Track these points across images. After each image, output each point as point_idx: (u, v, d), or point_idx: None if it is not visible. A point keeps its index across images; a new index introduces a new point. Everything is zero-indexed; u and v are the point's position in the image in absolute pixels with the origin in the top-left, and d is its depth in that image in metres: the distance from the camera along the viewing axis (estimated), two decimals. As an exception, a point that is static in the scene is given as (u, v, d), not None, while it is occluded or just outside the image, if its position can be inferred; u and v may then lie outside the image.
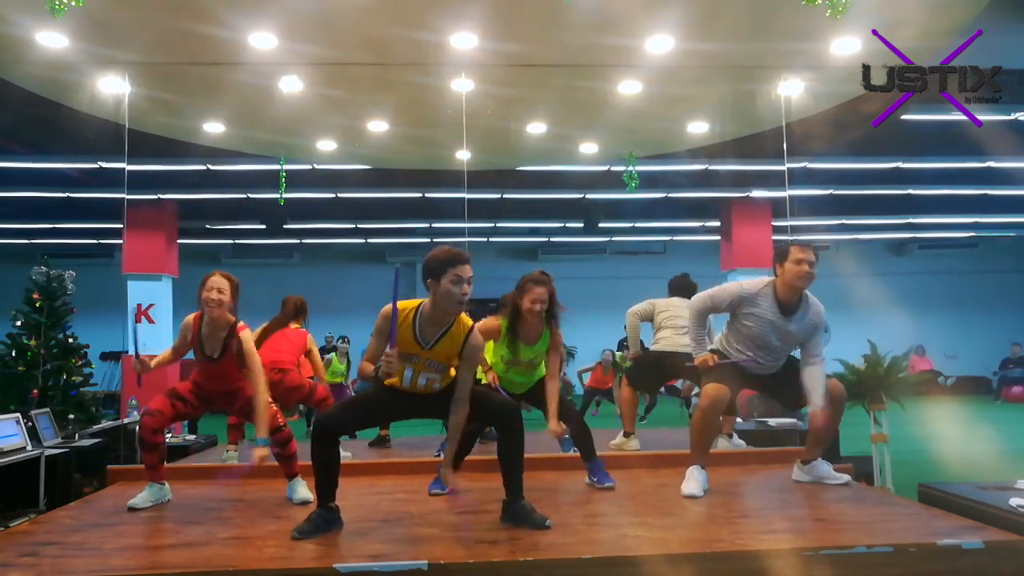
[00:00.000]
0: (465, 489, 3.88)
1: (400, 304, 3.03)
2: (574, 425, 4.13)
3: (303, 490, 3.79)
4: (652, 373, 5.44)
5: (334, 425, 3.17)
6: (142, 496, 3.70)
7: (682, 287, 5.45)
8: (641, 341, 5.49)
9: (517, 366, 4.13)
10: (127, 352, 10.37)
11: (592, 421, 6.35)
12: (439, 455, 4.69)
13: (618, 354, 10.87)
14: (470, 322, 3.19)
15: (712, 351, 3.91)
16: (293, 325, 5.45)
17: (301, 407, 9.18)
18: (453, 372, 3.24)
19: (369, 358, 3.11)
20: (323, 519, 3.08)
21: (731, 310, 3.86)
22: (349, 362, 9.83)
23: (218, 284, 3.70)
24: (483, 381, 4.23)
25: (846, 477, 3.91)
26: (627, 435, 5.25)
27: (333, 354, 9.91)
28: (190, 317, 3.84)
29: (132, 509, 3.61)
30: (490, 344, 4.27)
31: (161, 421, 3.69)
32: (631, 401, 5.40)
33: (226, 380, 3.83)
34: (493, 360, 4.25)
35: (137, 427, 3.77)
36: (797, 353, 3.92)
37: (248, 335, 3.80)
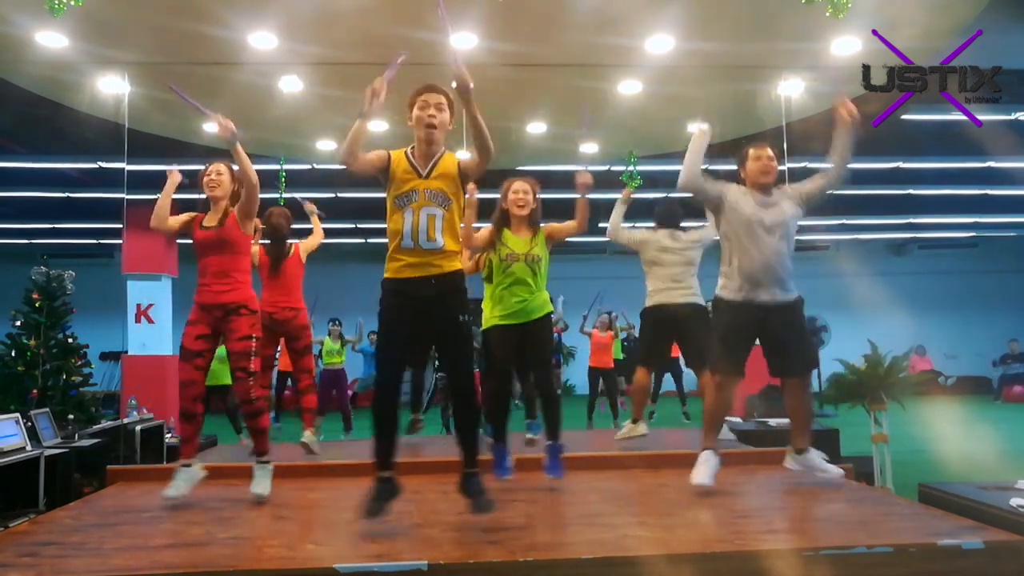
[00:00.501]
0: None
1: (393, 151, 3.18)
2: (551, 402, 4.08)
3: (261, 483, 3.75)
4: (654, 336, 5.25)
5: (380, 374, 3.13)
6: (174, 485, 3.68)
7: (671, 214, 5.30)
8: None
9: (515, 264, 4.04)
10: (127, 352, 10.37)
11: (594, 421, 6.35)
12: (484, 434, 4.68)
13: (626, 326, 10.75)
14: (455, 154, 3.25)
15: (715, 298, 3.91)
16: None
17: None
18: (455, 220, 3.17)
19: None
20: (383, 492, 3.01)
21: (718, 196, 3.89)
22: (344, 343, 9.72)
23: (216, 167, 3.92)
24: (485, 326, 4.21)
25: (839, 471, 3.85)
26: (635, 421, 5.23)
27: (326, 337, 9.81)
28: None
29: (168, 499, 3.62)
30: (488, 268, 4.26)
31: (198, 389, 3.77)
32: (642, 386, 5.31)
33: (231, 273, 3.82)
34: (495, 269, 4.14)
35: (179, 401, 3.82)
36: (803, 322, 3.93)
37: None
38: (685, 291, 5.10)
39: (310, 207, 6.03)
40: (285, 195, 9.44)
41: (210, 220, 3.91)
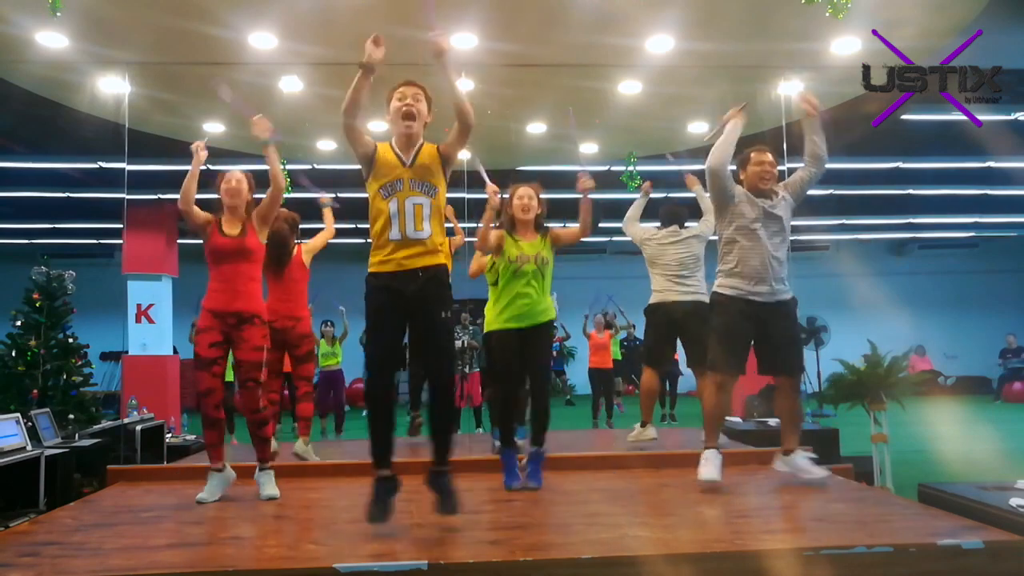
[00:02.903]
0: (467, 488, 3.88)
1: (379, 143, 3.22)
2: (541, 409, 4.08)
3: (271, 487, 3.80)
4: (658, 334, 5.20)
5: (379, 362, 3.08)
6: (209, 488, 3.74)
7: (676, 214, 5.32)
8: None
9: (525, 266, 4.04)
10: (127, 352, 10.37)
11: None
12: (493, 441, 4.70)
13: (627, 325, 10.74)
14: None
15: (713, 294, 3.95)
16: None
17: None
18: (439, 211, 3.17)
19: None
20: (383, 491, 3.00)
21: (733, 195, 3.89)
22: (337, 344, 9.70)
23: (234, 175, 3.99)
24: (488, 329, 4.21)
25: (824, 472, 3.86)
26: (644, 424, 5.21)
27: (321, 340, 9.80)
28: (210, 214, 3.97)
29: (201, 503, 3.65)
30: (494, 270, 4.26)
31: (218, 396, 3.78)
32: (651, 388, 5.28)
33: (245, 284, 3.85)
34: (501, 271, 4.15)
35: (200, 409, 3.84)
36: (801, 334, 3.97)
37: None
38: (688, 288, 5.07)
39: (325, 199, 5.81)
40: (285, 195, 9.42)
41: (230, 227, 3.91)
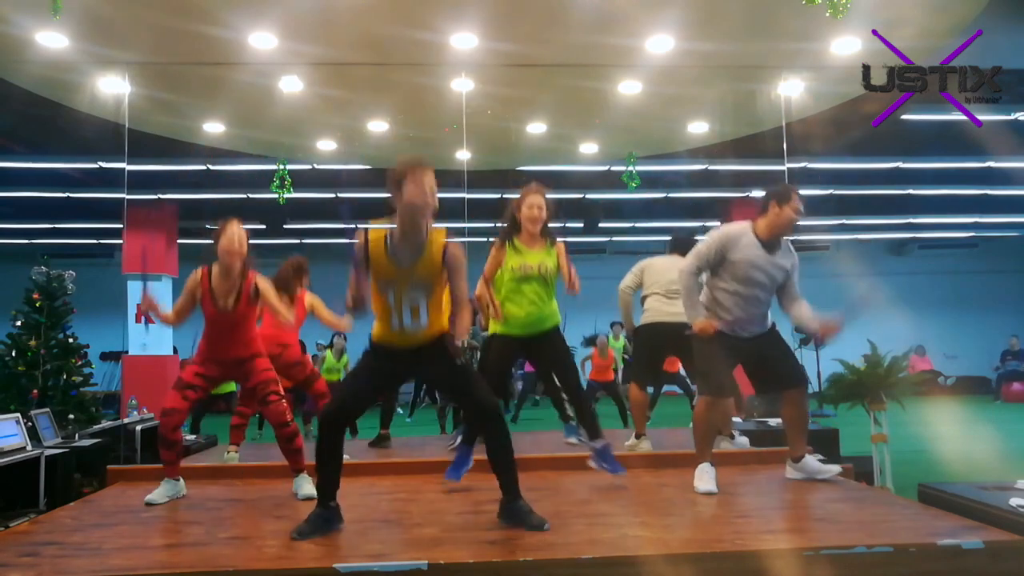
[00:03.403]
0: (467, 488, 3.89)
1: (371, 231, 3.02)
2: (579, 402, 4.11)
3: (308, 486, 3.80)
4: (649, 354, 5.17)
5: (337, 409, 3.11)
6: (159, 491, 3.75)
7: (687, 244, 5.05)
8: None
9: (529, 276, 4.01)
10: (127, 352, 10.37)
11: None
12: (452, 446, 4.72)
13: (617, 342, 10.78)
14: (444, 234, 3.06)
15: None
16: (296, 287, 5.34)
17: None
18: (441, 301, 3.12)
19: (351, 290, 3.09)
20: (323, 519, 3.05)
21: (720, 258, 3.81)
22: (346, 358, 9.78)
23: (238, 232, 3.81)
24: (492, 331, 4.18)
25: (836, 468, 3.92)
26: (639, 436, 5.20)
27: (328, 350, 9.84)
28: (198, 272, 3.86)
29: (149, 504, 3.66)
30: (499, 280, 4.21)
31: (179, 418, 3.76)
32: (641, 402, 5.25)
33: (240, 336, 3.85)
34: (506, 280, 4.12)
35: (158, 427, 3.82)
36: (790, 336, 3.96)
37: (263, 279, 3.88)
38: (679, 309, 4.99)
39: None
40: (286, 195, 9.44)
41: (223, 295, 3.81)
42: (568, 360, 4.20)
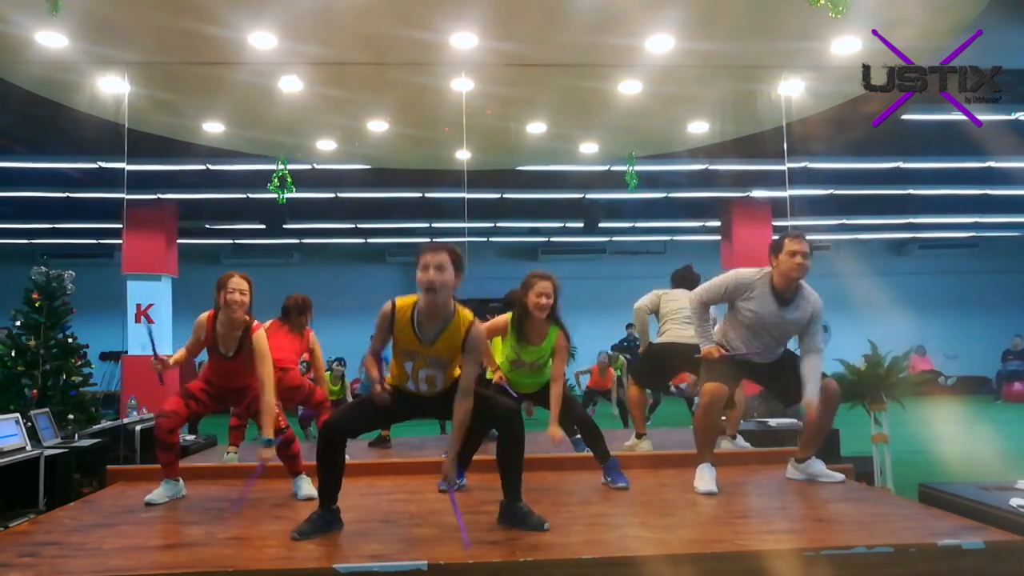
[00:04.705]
0: (467, 487, 3.89)
1: (400, 300, 3.09)
2: (584, 426, 4.15)
3: (308, 487, 3.83)
4: (658, 368, 5.26)
5: (341, 428, 3.18)
6: (158, 492, 3.78)
7: (685, 278, 5.32)
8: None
9: (521, 368, 4.12)
10: (127, 352, 10.35)
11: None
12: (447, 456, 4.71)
13: (619, 359, 10.85)
14: (470, 316, 3.15)
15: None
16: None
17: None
18: (456, 372, 3.21)
19: (372, 352, 3.22)
20: (324, 520, 3.08)
21: (728, 299, 3.86)
22: (344, 385, 9.78)
23: (240, 286, 3.81)
24: (491, 379, 4.24)
25: (840, 476, 3.92)
26: (639, 436, 5.21)
27: (328, 373, 9.81)
28: (204, 316, 3.90)
29: (149, 504, 3.68)
30: (497, 343, 4.28)
31: (176, 421, 3.78)
32: (640, 402, 5.30)
33: (238, 378, 3.91)
34: (500, 360, 4.24)
35: (154, 428, 3.83)
36: (796, 347, 3.94)
37: (262, 335, 3.87)
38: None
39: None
40: (287, 195, 9.43)
41: (225, 343, 3.85)
42: (572, 403, 4.21)
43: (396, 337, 3.12)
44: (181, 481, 3.92)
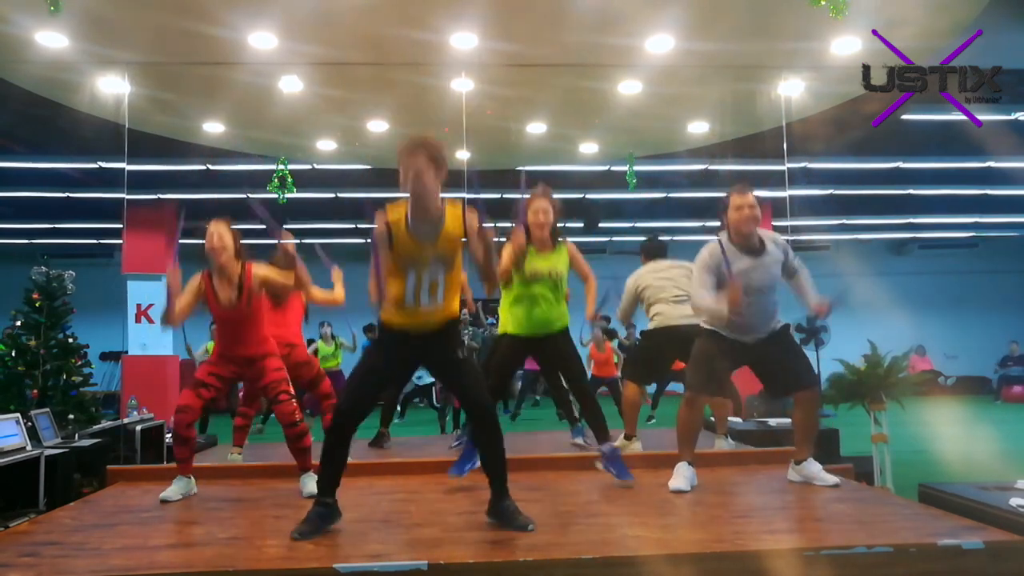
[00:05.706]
0: (468, 487, 3.88)
1: (390, 209, 3.02)
2: (586, 400, 4.12)
3: (313, 484, 3.79)
4: (655, 356, 5.11)
5: (350, 409, 3.10)
6: (172, 489, 3.80)
7: (660, 247, 5.18)
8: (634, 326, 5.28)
9: (539, 280, 4.03)
10: (127, 352, 10.36)
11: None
12: (457, 444, 4.72)
13: (614, 342, 10.74)
14: (459, 206, 3.08)
15: (699, 325, 3.93)
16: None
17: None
18: (457, 277, 3.12)
19: (374, 279, 3.08)
20: (321, 516, 3.06)
21: (716, 278, 3.77)
22: (337, 343, 9.78)
23: (216, 229, 3.82)
24: (502, 331, 4.19)
25: (835, 479, 3.86)
26: (628, 438, 5.14)
27: (319, 342, 9.81)
28: (198, 276, 3.88)
29: (165, 501, 3.70)
30: (506, 297, 4.23)
31: (192, 415, 3.79)
32: (635, 402, 5.20)
33: (250, 334, 3.88)
34: (515, 282, 4.12)
35: (172, 424, 3.89)
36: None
37: (262, 267, 3.90)
38: (687, 312, 4.93)
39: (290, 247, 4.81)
40: (287, 196, 9.44)
41: (224, 290, 3.83)
42: (577, 362, 4.21)
43: (395, 246, 3.03)
44: (193, 478, 3.92)
